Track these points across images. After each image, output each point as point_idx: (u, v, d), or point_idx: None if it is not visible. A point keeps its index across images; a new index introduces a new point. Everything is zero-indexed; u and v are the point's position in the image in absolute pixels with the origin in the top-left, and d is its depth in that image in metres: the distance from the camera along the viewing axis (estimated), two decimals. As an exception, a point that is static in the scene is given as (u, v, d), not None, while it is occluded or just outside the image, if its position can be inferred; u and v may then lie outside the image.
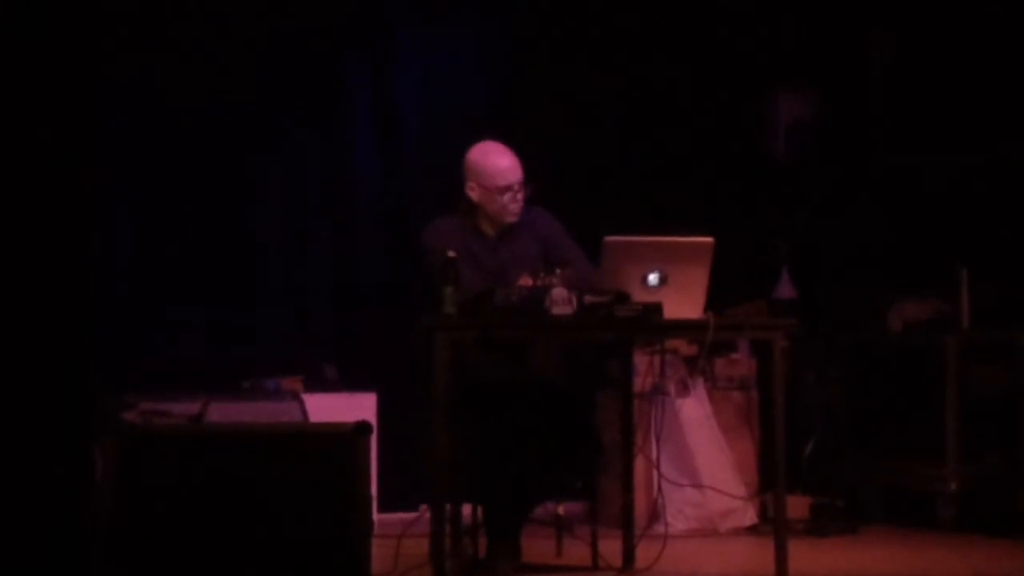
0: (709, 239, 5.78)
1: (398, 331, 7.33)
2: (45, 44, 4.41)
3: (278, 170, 7.93)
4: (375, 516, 6.35)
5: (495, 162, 6.07)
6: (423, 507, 6.29)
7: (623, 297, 5.66)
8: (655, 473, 6.65)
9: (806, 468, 7.58)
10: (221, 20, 7.67)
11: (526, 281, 5.82)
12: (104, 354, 4.92)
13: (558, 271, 5.76)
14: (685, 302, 5.72)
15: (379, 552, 5.46)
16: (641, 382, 6.65)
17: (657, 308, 5.66)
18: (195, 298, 7.63)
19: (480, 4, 8.29)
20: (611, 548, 6.18)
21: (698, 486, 7.22)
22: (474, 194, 6.10)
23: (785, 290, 7.79)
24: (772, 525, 6.00)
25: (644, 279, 5.72)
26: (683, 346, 7.36)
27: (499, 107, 7.92)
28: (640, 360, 6.62)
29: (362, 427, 4.87)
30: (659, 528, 6.45)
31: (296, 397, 6.93)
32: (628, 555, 6.18)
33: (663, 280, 5.72)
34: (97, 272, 5.64)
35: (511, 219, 6.09)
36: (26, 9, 4.38)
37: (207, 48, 7.64)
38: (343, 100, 8.06)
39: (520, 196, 6.08)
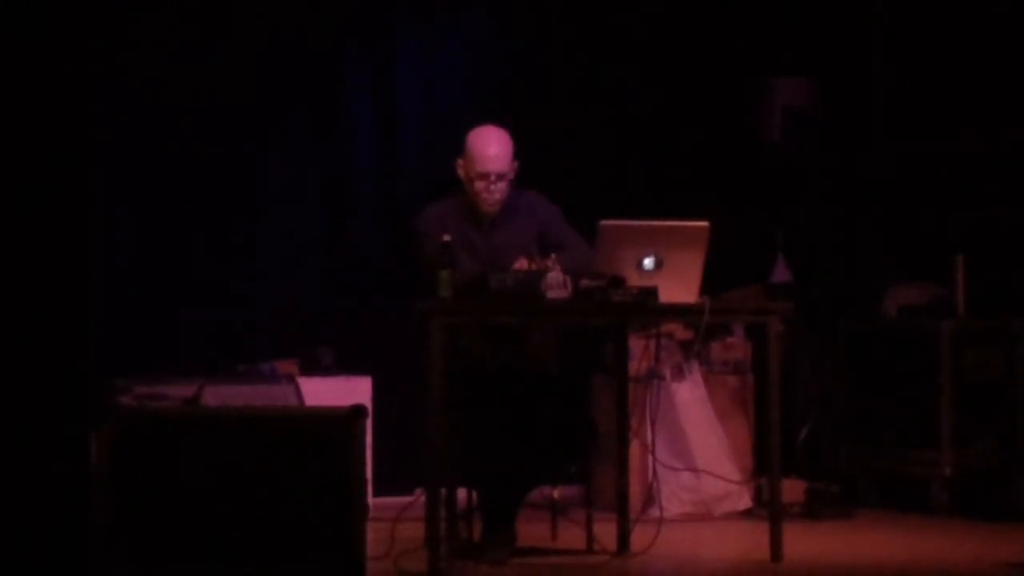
0: (704, 223, 5.78)
1: (394, 315, 7.35)
2: (45, 43, 4.41)
3: (277, 161, 7.92)
4: (370, 500, 6.36)
5: (481, 148, 6.07)
6: (418, 491, 6.31)
7: (618, 281, 5.67)
8: (650, 457, 6.65)
9: (801, 452, 7.58)
10: (221, 20, 7.66)
11: (521, 265, 5.82)
12: (99, 338, 4.90)
13: (553, 255, 5.77)
14: (680, 286, 5.73)
15: (374, 536, 5.47)
16: (636, 366, 6.65)
17: (652, 292, 5.67)
18: (191, 281, 7.63)
19: (479, 3, 8.28)
20: (606, 532, 6.19)
21: (693, 470, 7.22)
22: (460, 172, 6.11)
23: (781, 274, 7.79)
24: (767, 509, 6.02)
25: (640, 263, 5.72)
26: (678, 330, 7.36)
27: (499, 101, 7.88)
28: (635, 344, 6.63)
29: (357, 411, 4.87)
30: (654, 512, 6.46)
31: (292, 381, 6.94)
32: (623, 539, 6.19)
33: (659, 264, 5.73)
34: (94, 257, 5.64)
35: (485, 207, 6.08)
36: (26, 9, 4.38)
37: (207, 47, 7.63)
38: (343, 99, 8.04)
39: (496, 188, 6.05)
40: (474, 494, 6.11)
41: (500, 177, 6.04)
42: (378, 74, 8.09)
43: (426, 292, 5.71)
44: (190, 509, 4.81)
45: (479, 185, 6.04)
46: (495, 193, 6.05)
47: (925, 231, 7.93)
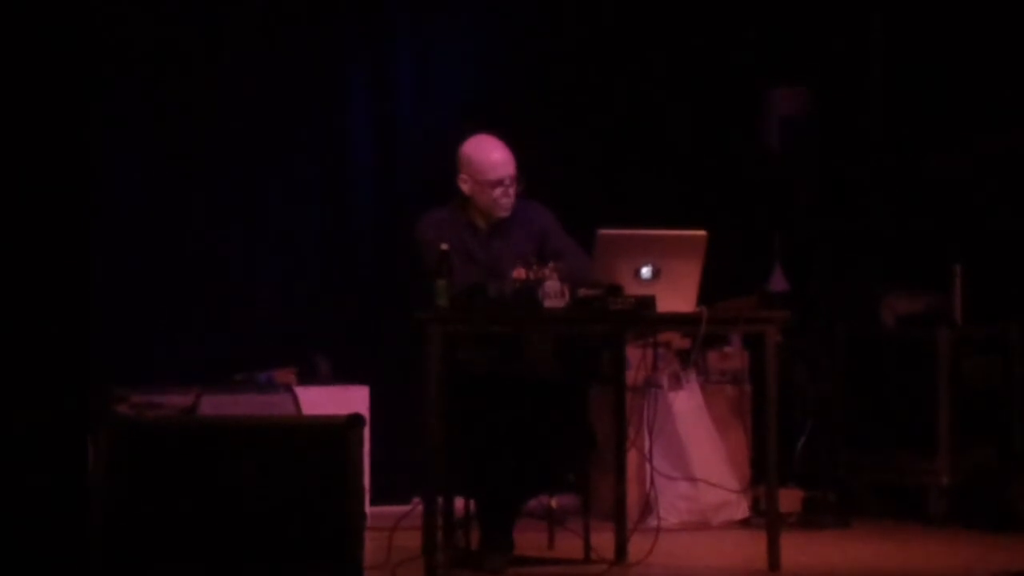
0: (702, 232, 5.78)
1: (391, 324, 7.35)
2: (44, 43, 4.40)
3: (274, 165, 7.92)
4: (368, 509, 6.36)
5: (487, 156, 6.06)
6: (415, 500, 6.29)
7: (616, 290, 5.67)
8: (647, 466, 6.65)
9: (798, 461, 7.58)
10: (221, 20, 7.66)
11: (519, 274, 5.82)
12: (96, 346, 4.90)
13: (551, 264, 5.77)
14: (678, 295, 5.73)
15: (372, 545, 5.47)
16: (634, 375, 6.65)
17: (650, 301, 5.67)
18: (188, 290, 7.63)
19: (479, 3, 8.28)
20: (603, 541, 6.18)
21: (690, 479, 7.22)
22: (466, 187, 6.09)
23: (778, 283, 7.79)
24: (764, 518, 6.01)
25: (637, 272, 5.72)
26: (676, 339, 7.36)
27: (497, 106, 7.89)
28: (633, 353, 6.62)
29: (355, 420, 4.87)
30: (651, 521, 6.46)
31: (289, 390, 6.94)
32: (620, 548, 6.18)
33: (656, 273, 5.73)
34: (92, 264, 5.65)
35: (502, 213, 6.08)
36: (23, 10, 4.37)
37: (207, 48, 7.63)
38: (342, 99, 8.04)
39: (512, 191, 6.06)
40: (471, 503, 6.10)
41: (513, 179, 6.05)
42: (378, 74, 8.09)
43: (424, 301, 5.71)
44: (187, 519, 4.81)
45: (496, 192, 6.03)
46: (512, 196, 6.07)
47: (922, 240, 7.93)
